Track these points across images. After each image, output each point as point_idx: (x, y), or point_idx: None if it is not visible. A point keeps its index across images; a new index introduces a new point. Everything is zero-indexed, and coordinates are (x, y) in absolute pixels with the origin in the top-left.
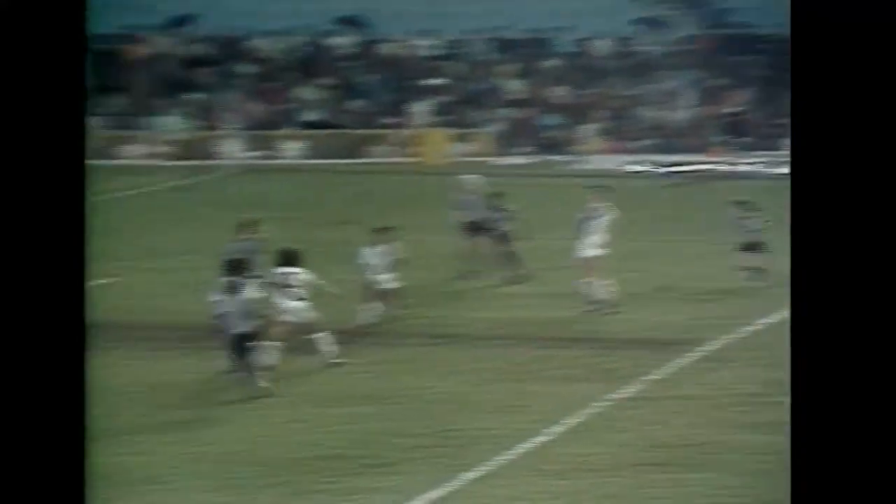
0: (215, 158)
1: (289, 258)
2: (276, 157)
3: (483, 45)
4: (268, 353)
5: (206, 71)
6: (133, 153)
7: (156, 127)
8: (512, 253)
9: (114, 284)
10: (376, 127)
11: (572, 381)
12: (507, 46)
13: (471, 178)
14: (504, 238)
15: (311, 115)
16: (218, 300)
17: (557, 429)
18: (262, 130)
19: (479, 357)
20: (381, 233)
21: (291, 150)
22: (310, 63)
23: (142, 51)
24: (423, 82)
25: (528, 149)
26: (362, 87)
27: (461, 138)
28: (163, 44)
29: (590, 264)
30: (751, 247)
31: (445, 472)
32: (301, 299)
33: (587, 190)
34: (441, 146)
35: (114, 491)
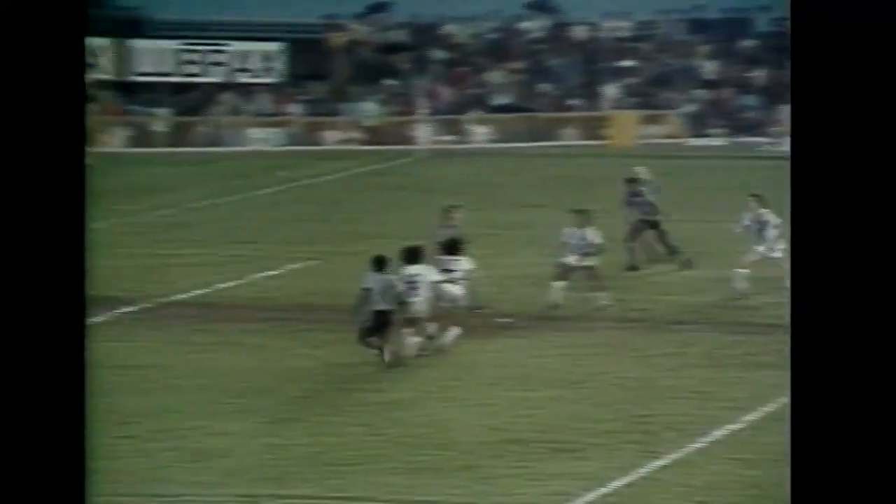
0: (408, 143)
1: (451, 247)
2: (467, 142)
3: (676, 25)
4: (444, 335)
5: (400, 57)
6: (331, 139)
7: (353, 113)
8: (668, 240)
9: (311, 268)
10: (565, 110)
11: (766, 367)
12: (701, 27)
13: (637, 170)
14: (654, 226)
15: (501, 99)
16: (368, 276)
17: (751, 416)
18: (452, 115)
19: (668, 342)
20: (581, 215)
21: (481, 134)
22: (500, 47)
23: (342, 38)
24: (613, 64)
25: (722, 130)
26: (552, 71)
27: (652, 120)
28: (361, 31)
29: (768, 264)
30: None
31: (635, 458)
32: (460, 286)
33: (751, 199)
34: (631, 128)
35: (306, 472)
